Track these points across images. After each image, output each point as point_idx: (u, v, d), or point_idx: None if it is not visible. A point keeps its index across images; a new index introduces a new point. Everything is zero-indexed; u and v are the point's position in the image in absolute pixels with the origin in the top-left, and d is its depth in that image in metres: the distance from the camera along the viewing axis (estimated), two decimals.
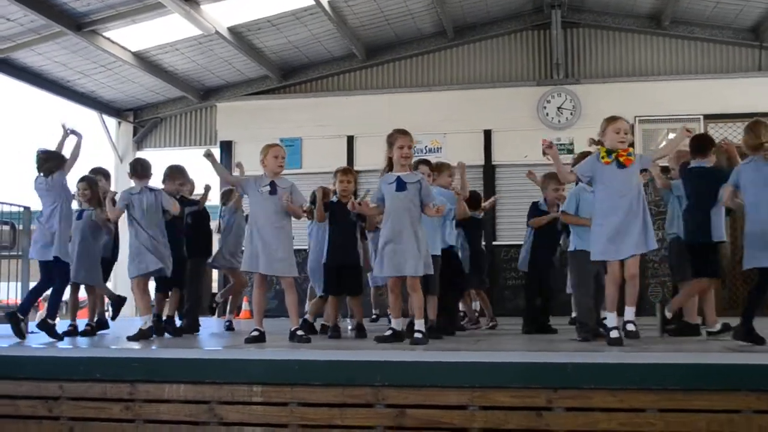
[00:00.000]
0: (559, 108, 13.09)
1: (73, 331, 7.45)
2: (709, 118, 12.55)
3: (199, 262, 8.15)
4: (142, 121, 15.15)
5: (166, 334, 7.29)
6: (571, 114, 13.04)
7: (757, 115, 7.46)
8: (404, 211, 5.97)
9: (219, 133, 14.50)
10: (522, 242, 7.90)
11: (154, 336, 6.82)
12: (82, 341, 6.71)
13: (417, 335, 5.71)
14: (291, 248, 6.38)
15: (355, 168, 11.93)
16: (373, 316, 10.33)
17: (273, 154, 6.42)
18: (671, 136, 12.43)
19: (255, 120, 14.12)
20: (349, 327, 7.45)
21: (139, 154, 14.50)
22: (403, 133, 6.08)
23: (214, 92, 14.69)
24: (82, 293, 7.91)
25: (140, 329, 6.69)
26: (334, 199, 7.11)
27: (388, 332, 6.13)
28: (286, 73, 14.29)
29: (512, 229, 12.95)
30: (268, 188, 6.35)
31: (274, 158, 6.40)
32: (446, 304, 6.84)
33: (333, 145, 13.80)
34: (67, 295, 7.44)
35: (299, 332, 6.14)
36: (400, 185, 6.00)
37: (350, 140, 13.79)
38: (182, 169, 7.79)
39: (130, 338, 6.56)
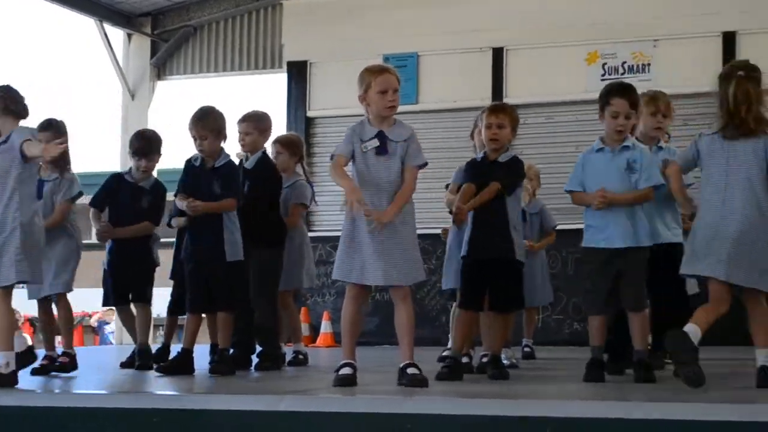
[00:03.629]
0: None
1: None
2: None
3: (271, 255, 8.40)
4: (166, 31, 15.38)
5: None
6: None
7: None
8: None
9: (286, 48, 14.76)
10: None
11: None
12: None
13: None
14: (415, 240, 6.54)
15: (507, 100, 12.47)
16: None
17: (379, 86, 6.36)
18: None
19: (343, 26, 14.28)
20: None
21: (162, 86, 15.23)
22: None
23: None
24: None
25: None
26: (478, 156, 7.45)
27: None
28: None
29: None
30: (375, 143, 6.37)
31: (379, 94, 6.36)
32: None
33: (470, 64, 13.77)
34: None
35: (411, 369, 6.22)
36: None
37: (497, 55, 13.72)
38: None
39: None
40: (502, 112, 7.21)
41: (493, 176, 6.98)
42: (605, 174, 6.53)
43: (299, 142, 9.05)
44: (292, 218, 8.60)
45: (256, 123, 8.24)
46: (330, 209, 12.65)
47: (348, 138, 6.36)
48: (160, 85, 15.27)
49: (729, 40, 12.85)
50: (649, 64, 12.95)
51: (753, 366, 6.05)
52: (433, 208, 10.39)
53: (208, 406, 5.37)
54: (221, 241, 7.39)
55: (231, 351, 7.87)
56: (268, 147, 8.54)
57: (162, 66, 15.28)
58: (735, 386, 6.27)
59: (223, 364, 7.45)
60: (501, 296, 7.10)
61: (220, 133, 7.42)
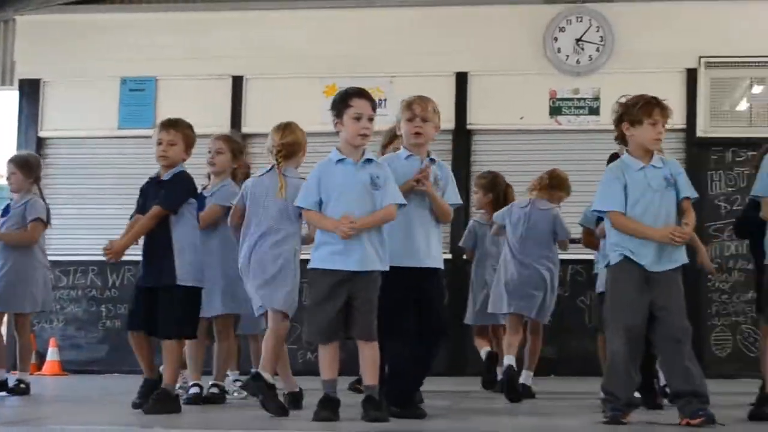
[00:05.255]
0: (578, 40, 13.34)
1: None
2: None
3: None
4: None
5: None
6: (598, 50, 13.32)
7: None
8: None
9: (18, 65, 14.27)
10: None
11: None
12: None
13: None
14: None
15: (245, 129, 12.97)
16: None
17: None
18: (756, 89, 13.20)
19: (79, 46, 13.94)
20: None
21: None
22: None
23: None
24: None
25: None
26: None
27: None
28: None
29: None
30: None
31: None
32: None
33: (209, 91, 13.73)
34: None
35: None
36: None
37: (237, 83, 13.82)
38: None
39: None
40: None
41: None
42: (347, 188, 6.19)
43: (34, 163, 8.86)
44: (32, 233, 8.54)
45: None
46: (62, 233, 12.29)
47: None
48: None
49: (461, 79, 13.35)
50: (385, 100, 12.77)
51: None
52: None
53: None
54: None
55: None
56: None
57: None
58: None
59: None
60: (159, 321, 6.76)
61: None
